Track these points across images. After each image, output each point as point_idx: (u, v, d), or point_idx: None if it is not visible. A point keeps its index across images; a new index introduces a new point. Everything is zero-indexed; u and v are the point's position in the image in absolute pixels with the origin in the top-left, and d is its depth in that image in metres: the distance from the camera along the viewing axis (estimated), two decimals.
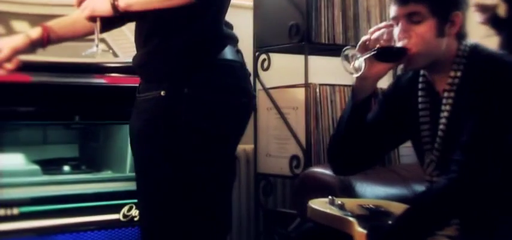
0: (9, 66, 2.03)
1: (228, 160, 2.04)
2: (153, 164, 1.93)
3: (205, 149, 1.92)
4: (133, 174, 2.14)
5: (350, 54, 1.89)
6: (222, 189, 2.02)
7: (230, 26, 2.05)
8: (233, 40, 2.01)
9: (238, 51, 2.01)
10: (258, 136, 3.54)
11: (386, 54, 1.91)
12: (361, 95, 2.02)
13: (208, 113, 1.90)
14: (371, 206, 2.15)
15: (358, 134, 2.05)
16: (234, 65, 1.98)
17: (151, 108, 1.93)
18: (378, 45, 1.90)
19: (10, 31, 2.56)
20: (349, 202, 2.17)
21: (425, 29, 1.90)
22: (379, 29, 1.93)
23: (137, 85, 2.06)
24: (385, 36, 1.91)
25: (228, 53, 1.95)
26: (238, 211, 3.73)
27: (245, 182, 3.76)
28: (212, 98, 1.91)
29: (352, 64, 1.89)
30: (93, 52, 1.97)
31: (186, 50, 1.90)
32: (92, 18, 1.90)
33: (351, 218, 1.98)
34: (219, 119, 1.93)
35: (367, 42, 1.92)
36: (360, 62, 1.88)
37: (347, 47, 1.92)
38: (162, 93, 1.91)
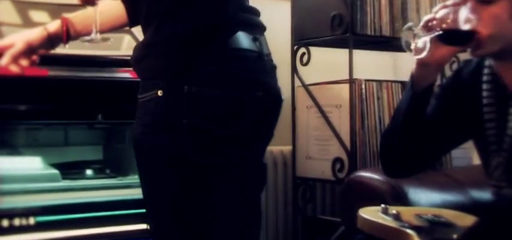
0: (24, 62, 1.89)
1: (247, 165, 1.86)
2: (157, 173, 1.80)
3: (213, 153, 1.76)
4: None
5: (413, 32, 1.69)
6: (241, 198, 1.86)
7: (252, 11, 1.88)
8: (250, 26, 1.83)
9: (256, 39, 1.83)
10: (296, 137, 3.43)
11: (452, 36, 1.72)
12: (421, 83, 1.85)
13: (212, 112, 1.74)
14: (430, 215, 2.01)
15: (416, 129, 1.91)
16: (247, 55, 1.80)
17: (150, 112, 1.77)
18: (443, 26, 1.70)
19: (29, 23, 2.48)
20: (405, 211, 2.05)
21: (499, 9, 1.73)
22: (445, 7, 1.73)
23: None
24: (450, 17, 1.71)
25: (240, 41, 1.78)
26: (275, 218, 3.64)
27: (282, 187, 3.66)
28: (217, 95, 1.74)
29: (413, 44, 1.69)
30: (91, 39, 1.87)
31: (184, 40, 1.74)
32: (88, 2, 1.82)
33: (408, 230, 1.85)
34: (226, 118, 1.76)
35: (431, 22, 1.72)
36: (424, 42, 1.69)
37: (408, 24, 1.73)
38: (159, 93, 1.74)
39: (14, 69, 1.87)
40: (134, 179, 2.64)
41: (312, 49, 3.38)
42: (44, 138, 2.80)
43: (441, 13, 1.73)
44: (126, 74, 2.48)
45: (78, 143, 2.94)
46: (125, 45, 2.57)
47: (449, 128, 1.97)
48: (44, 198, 2.41)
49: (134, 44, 2.41)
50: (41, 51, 1.93)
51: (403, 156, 1.97)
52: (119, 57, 2.53)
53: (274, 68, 1.90)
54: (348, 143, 3.12)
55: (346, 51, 3.15)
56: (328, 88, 3.26)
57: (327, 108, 3.25)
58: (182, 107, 1.72)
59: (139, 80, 1.86)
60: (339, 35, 3.15)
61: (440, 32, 1.70)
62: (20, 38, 1.88)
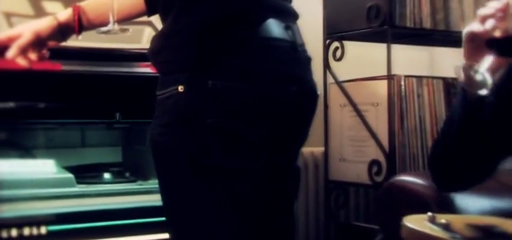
0: (33, 55, 1.77)
1: (279, 169, 1.75)
2: (177, 178, 1.68)
3: (241, 156, 1.64)
4: None
5: (467, 70, 1.54)
6: (274, 209, 1.76)
7: None
8: (281, 13, 1.71)
9: (289, 28, 1.71)
10: (329, 137, 3.33)
11: (507, 46, 1.55)
12: None
13: (240, 110, 1.62)
14: (483, 224, 1.85)
15: (472, 137, 1.75)
16: (279, 45, 1.67)
17: (170, 110, 1.65)
18: (495, 35, 1.52)
19: (41, 14, 2.37)
20: (455, 220, 1.86)
21: None
22: (492, 15, 1.56)
23: None
24: (500, 25, 1.54)
25: (271, 29, 1.66)
26: (306, 224, 3.56)
27: (314, 191, 3.58)
28: (245, 90, 1.62)
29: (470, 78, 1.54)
30: (108, 30, 1.76)
31: (207, 28, 1.62)
32: None
33: None
34: (256, 117, 1.64)
35: (478, 32, 1.56)
36: (484, 75, 1.53)
37: (460, 65, 1.57)
38: (180, 88, 1.62)
39: (22, 62, 1.76)
40: (156, 183, 2.54)
41: (346, 43, 3.27)
42: (57, 139, 2.73)
43: (489, 24, 1.57)
44: (147, 69, 2.40)
45: (95, 144, 2.87)
46: (146, 37, 2.48)
47: (506, 131, 1.83)
48: (57, 204, 2.31)
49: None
50: (51, 43, 1.82)
51: (459, 167, 1.84)
52: (138, 51, 2.45)
53: (309, 60, 1.78)
54: (385, 144, 3.00)
55: (383, 45, 3.04)
56: (364, 85, 3.15)
57: (363, 106, 3.14)
58: (206, 104, 1.61)
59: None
60: (376, 27, 3.03)
61: (499, 50, 1.54)
62: (27, 29, 1.77)
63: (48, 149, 2.60)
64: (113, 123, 2.56)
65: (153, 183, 2.49)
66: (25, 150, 2.52)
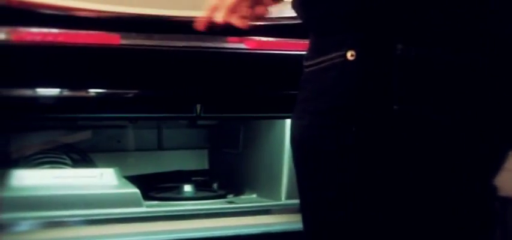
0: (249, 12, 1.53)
1: (489, 188, 1.38)
2: (342, 198, 1.36)
3: (446, 165, 1.31)
4: (294, 201, 1.88)
5: None
6: None
7: None
8: None
9: None
10: None
11: None
12: None
13: (446, 93, 1.30)
14: None
15: None
16: None
17: (330, 90, 1.35)
18: None
19: None
20: None
21: None
22: None
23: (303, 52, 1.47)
24: None
25: None
26: None
27: None
28: (455, 62, 1.30)
29: None
30: None
31: None
32: None
33: None
34: (469, 104, 1.30)
35: None
36: None
37: None
38: (350, 55, 1.29)
39: (236, 22, 1.51)
40: (252, 199, 2.36)
41: None
42: (121, 140, 2.55)
43: None
44: (239, 44, 2.14)
45: (170, 146, 2.65)
46: None
47: None
48: (116, 231, 2.05)
49: None
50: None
51: None
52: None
53: None
54: None
55: None
56: None
57: None
58: (392, 81, 1.28)
59: (260, 53, 1.77)
60: None
61: None
62: None
63: (106, 154, 2.42)
64: (193, 118, 2.32)
65: (249, 200, 2.34)
66: (79, 156, 2.30)
